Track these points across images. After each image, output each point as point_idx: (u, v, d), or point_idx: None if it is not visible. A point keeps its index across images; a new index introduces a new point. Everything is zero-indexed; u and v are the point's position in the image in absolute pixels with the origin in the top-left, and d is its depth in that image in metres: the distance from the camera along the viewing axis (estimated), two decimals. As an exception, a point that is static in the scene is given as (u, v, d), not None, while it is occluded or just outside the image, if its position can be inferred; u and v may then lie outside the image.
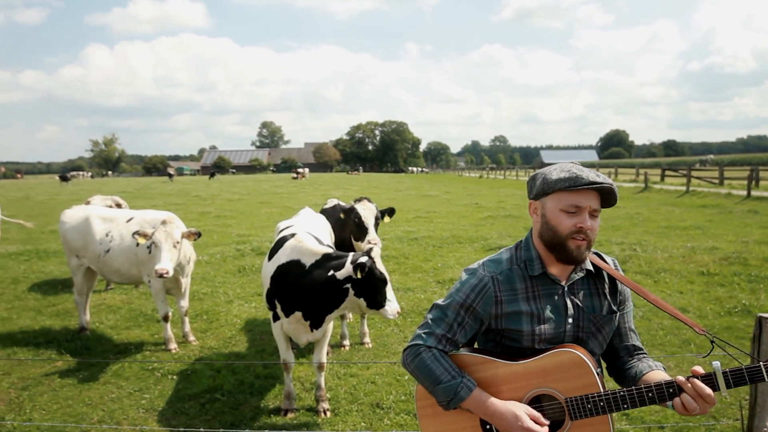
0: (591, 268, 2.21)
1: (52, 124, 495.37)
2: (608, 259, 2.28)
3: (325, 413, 4.78)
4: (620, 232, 14.33)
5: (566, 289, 2.17)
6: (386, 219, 6.38)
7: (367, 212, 5.98)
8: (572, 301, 2.16)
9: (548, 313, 2.14)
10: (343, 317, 6.63)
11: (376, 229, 6.05)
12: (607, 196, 2.07)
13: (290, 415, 4.77)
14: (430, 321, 2.22)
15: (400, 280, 9.65)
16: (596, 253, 2.26)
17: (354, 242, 6.09)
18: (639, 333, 6.55)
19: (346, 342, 6.53)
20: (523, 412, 2.00)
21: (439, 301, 2.25)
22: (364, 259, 4.09)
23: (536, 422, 2.00)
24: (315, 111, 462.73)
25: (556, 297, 2.15)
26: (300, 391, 5.26)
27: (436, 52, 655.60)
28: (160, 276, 5.55)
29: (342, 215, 6.13)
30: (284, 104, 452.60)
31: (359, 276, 4.08)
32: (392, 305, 4.18)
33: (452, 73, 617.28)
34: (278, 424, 4.64)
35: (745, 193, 21.37)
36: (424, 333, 2.20)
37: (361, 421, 4.67)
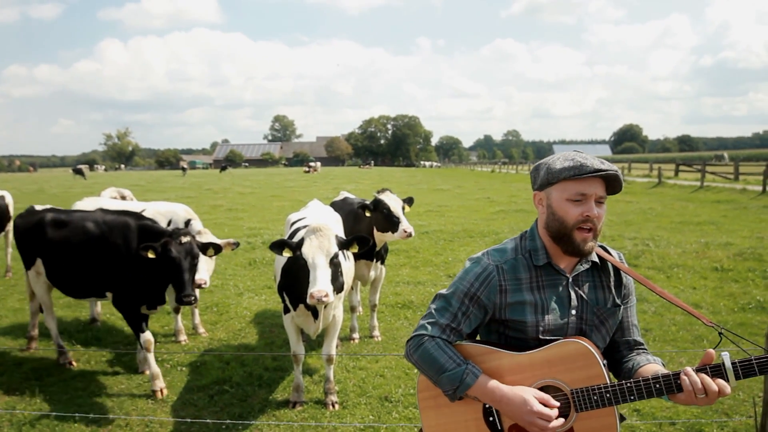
0: (596, 260, 2.18)
1: (66, 117, 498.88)
2: (614, 252, 2.25)
3: (333, 406, 4.77)
4: (633, 227, 14.22)
5: (570, 280, 2.13)
6: (406, 208, 6.25)
7: (393, 202, 5.88)
8: (576, 293, 2.13)
9: (552, 304, 2.10)
10: (353, 310, 6.62)
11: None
12: (612, 183, 2.03)
13: (299, 408, 4.76)
14: (433, 311, 2.19)
15: (411, 274, 9.62)
16: (602, 246, 2.23)
17: (378, 234, 5.99)
18: (651, 328, 6.50)
19: (356, 335, 6.52)
20: (531, 395, 1.97)
21: (443, 291, 2.21)
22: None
23: (545, 405, 1.96)
24: (327, 105, 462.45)
25: (561, 288, 2.12)
26: (309, 384, 5.25)
27: (447, 46, 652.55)
28: (199, 287, 5.28)
29: (368, 213, 5.99)
30: (296, 98, 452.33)
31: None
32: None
33: (464, 67, 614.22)
34: (286, 417, 4.64)
35: (760, 188, 21.09)
36: (427, 323, 2.16)
37: (369, 414, 4.66)
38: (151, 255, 4.70)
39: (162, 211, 6.46)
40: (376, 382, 5.24)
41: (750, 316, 6.91)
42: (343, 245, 4.20)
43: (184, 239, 4.83)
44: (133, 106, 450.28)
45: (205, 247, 5.06)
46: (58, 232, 5.36)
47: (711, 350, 1.90)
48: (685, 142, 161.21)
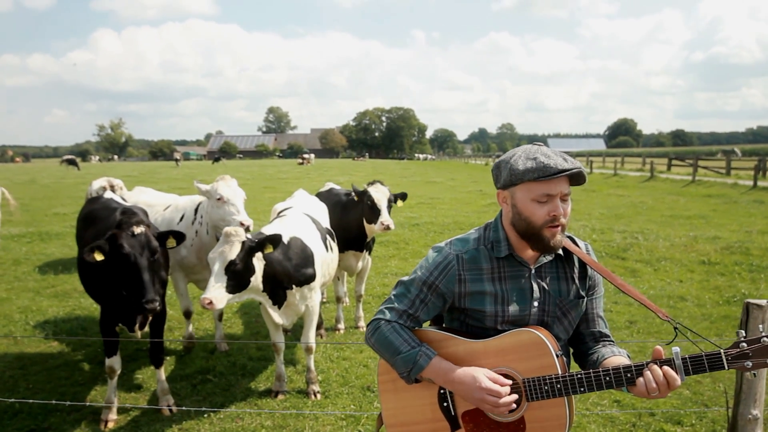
0: (560, 251, 2.16)
1: (59, 108, 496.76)
2: (581, 243, 2.23)
3: (315, 395, 4.78)
4: (623, 220, 14.27)
5: (533, 272, 2.12)
6: (399, 203, 6.31)
7: (379, 194, 5.90)
8: (539, 285, 2.11)
9: (513, 295, 2.09)
10: (339, 300, 6.63)
11: (389, 213, 5.95)
12: (576, 177, 2.00)
13: (281, 397, 4.77)
14: (393, 297, 2.21)
15: (400, 266, 9.64)
16: (569, 237, 2.21)
17: (366, 225, 6.01)
18: (636, 321, 6.54)
19: (341, 325, 6.53)
20: (481, 373, 1.97)
21: (404, 278, 2.23)
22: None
23: (496, 383, 1.96)
24: (321, 97, 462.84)
25: (523, 279, 2.11)
26: (292, 374, 5.26)
27: (442, 39, 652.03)
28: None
29: (356, 197, 6.03)
30: (290, 90, 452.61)
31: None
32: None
33: (458, 60, 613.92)
34: (268, 405, 4.65)
35: (751, 183, 21.19)
36: (386, 308, 2.19)
37: (350, 404, 4.67)
38: (98, 257, 3.84)
39: (180, 206, 5.83)
40: (359, 372, 5.26)
41: (734, 309, 6.94)
42: (254, 249, 4.12)
43: (137, 229, 3.95)
44: (127, 96, 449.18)
45: (163, 237, 4.22)
46: None
47: (659, 347, 1.90)
48: (679, 137, 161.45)
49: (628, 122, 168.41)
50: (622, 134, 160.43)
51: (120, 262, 3.88)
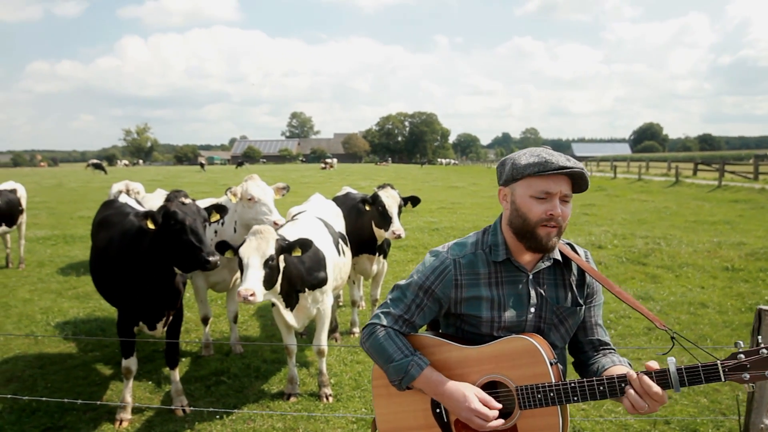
0: (559, 257, 2.14)
1: (87, 113, 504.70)
2: (580, 250, 2.20)
3: (327, 398, 4.79)
4: (646, 225, 14.08)
5: (531, 277, 2.10)
6: (410, 207, 6.20)
7: (390, 200, 5.77)
8: (536, 291, 2.09)
9: (510, 300, 2.07)
10: (354, 304, 6.64)
11: (399, 217, 5.86)
12: (578, 181, 1.99)
13: (293, 399, 4.79)
14: (389, 301, 2.19)
15: (417, 270, 9.61)
16: (568, 244, 2.19)
17: (376, 230, 5.98)
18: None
19: (356, 329, 6.54)
20: (472, 393, 1.95)
21: (401, 282, 2.21)
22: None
23: (486, 405, 1.94)
24: (344, 102, 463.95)
25: (520, 285, 2.09)
26: (305, 377, 5.27)
27: (465, 44, 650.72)
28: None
29: (367, 207, 5.92)
30: (314, 95, 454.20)
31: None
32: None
33: (481, 65, 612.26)
34: (280, 408, 4.66)
35: (780, 188, 20.79)
36: (381, 312, 2.17)
37: (362, 407, 4.67)
38: (150, 225, 3.96)
39: None
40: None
41: (757, 316, 6.80)
42: (284, 249, 4.11)
43: (186, 200, 4.17)
44: (153, 102, 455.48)
45: (207, 210, 4.39)
46: None
47: (649, 363, 1.85)
48: (706, 141, 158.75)
49: (654, 127, 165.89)
50: (647, 139, 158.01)
51: (175, 227, 4.01)
